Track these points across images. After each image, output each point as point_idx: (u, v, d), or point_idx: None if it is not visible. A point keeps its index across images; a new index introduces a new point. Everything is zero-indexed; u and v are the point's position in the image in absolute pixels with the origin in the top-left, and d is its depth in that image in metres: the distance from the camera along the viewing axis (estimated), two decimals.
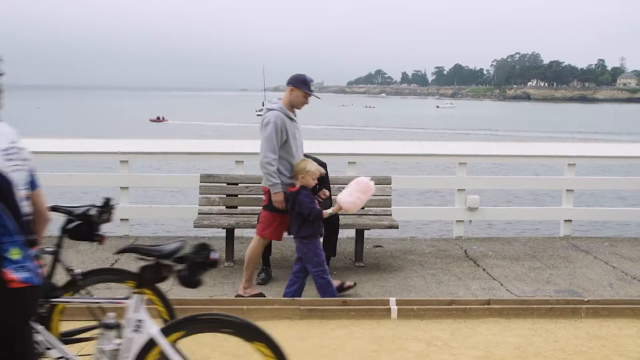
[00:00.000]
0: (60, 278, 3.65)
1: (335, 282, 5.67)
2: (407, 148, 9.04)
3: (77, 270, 3.63)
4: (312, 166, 5.44)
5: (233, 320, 2.92)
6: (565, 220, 8.39)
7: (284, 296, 5.46)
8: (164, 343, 2.89)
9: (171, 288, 5.87)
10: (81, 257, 6.86)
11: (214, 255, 2.92)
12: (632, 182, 9.05)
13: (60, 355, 3.23)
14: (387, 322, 5.01)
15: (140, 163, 15.20)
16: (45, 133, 38.00)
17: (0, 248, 2.54)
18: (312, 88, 5.69)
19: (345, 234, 7.55)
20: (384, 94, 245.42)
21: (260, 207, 6.14)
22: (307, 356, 4.37)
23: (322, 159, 6.62)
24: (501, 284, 6.22)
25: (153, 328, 2.95)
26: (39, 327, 3.17)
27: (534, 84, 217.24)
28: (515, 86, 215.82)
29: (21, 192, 2.74)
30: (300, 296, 5.46)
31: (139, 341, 2.92)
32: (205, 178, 7.07)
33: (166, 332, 2.94)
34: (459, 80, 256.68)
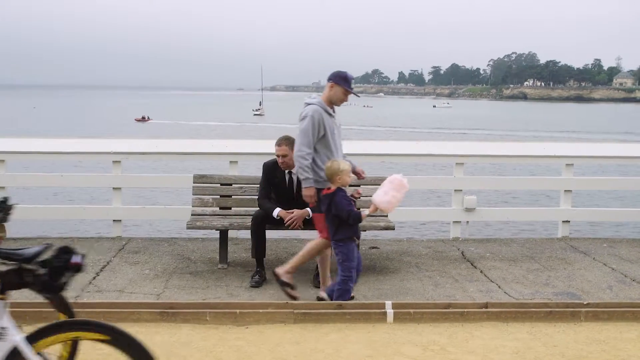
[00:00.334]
0: None
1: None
2: (403, 148, 8.95)
3: None
4: (345, 164, 5.31)
5: (104, 326, 2.79)
6: (563, 221, 8.31)
7: (334, 298, 5.32)
8: (27, 352, 2.73)
9: (163, 291, 5.80)
10: None
11: (75, 259, 2.79)
12: (631, 182, 8.97)
13: None
14: (383, 326, 4.91)
15: (134, 163, 15.12)
16: (35, 133, 37.84)
17: None
18: (352, 86, 5.59)
19: None
20: (382, 94, 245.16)
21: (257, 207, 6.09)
22: None
23: None
24: (499, 287, 6.13)
25: (17, 336, 2.77)
26: None
27: (530, 84, 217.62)
28: (511, 86, 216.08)
29: None
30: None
31: (1, 349, 2.75)
32: (198, 178, 6.96)
33: (32, 339, 2.78)
34: (455, 80, 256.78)
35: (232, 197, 6.90)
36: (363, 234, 6.92)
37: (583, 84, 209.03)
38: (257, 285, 5.99)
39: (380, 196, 5.33)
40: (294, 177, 6.22)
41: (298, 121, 5.57)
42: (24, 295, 5.39)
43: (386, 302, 5.15)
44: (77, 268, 2.81)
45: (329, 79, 5.62)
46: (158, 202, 14.31)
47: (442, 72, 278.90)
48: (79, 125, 54.06)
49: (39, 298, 3.32)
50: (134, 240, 7.67)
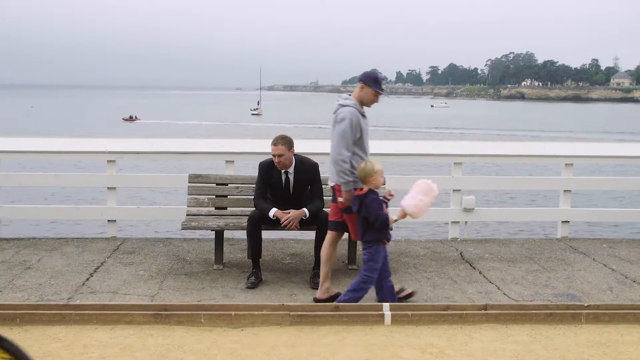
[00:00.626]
0: None
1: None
2: (401, 148, 8.87)
3: None
4: (378, 165, 5.23)
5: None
6: (562, 222, 8.24)
7: (380, 300, 5.28)
8: None
9: (157, 292, 5.71)
10: (66, 259, 6.66)
11: None
12: (631, 182, 8.90)
13: None
14: (381, 329, 4.82)
15: (129, 163, 15.04)
16: (33, 133, 37.74)
17: None
18: (383, 87, 5.51)
19: None
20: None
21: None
22: None
23: (315, 159, 6.45)
24: (498, 288, 6.05)
25: None
26: None
27: (528, 84, 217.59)
28: (509, 86, 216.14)
29: None
30: (395, 298, 5.36)
31: None
32: (193, 178, 6.87)
33: None
34: (453, 80, 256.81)
35: (228, 197, 6.81)
36: None
37: (581, 84, 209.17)
38: (253, 286, 5.91)
39: (407, 200, 5.29)
40: (290, 177, 6.15)
41: (332, 122, 5.46)
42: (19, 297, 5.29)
43: (384, 304, 5.07)
44: None
45: (360, 80, 5.53)
46: (153, 202, 14.23)
47: (439, 72, 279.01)
48: (77, 125, 54.01)
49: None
50: (129, 240, 7.58)
